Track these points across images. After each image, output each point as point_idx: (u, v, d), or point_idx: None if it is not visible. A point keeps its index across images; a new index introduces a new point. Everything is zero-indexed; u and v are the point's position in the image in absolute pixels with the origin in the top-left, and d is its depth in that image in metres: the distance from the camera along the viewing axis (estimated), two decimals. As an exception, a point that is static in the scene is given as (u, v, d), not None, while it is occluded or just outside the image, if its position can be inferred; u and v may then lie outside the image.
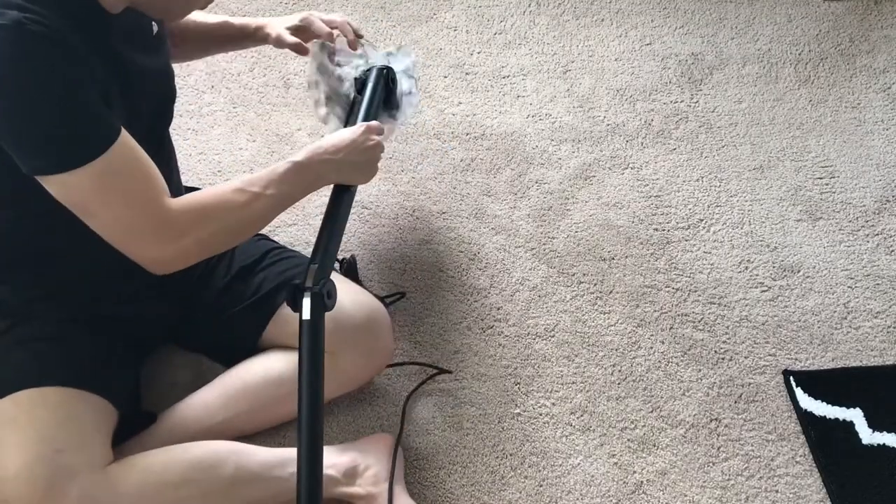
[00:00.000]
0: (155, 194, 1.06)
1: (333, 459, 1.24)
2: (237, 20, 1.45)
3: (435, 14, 2.16)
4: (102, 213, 1.03)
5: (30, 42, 0.91)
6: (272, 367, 1.29)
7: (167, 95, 1.25)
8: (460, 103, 1.95)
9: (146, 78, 1.15)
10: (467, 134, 1.89)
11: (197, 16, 1.40)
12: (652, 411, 1.45)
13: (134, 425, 1.25)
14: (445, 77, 2.01)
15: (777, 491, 1.37)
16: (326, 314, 1.17)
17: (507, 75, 2.03)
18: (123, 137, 1.01)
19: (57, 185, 0.99)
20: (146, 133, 1.13)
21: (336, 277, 1.35)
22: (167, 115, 1.26)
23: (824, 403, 1.47)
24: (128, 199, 1.03)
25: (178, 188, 1.31)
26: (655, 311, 1.59)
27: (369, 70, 1.44)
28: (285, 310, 1.28)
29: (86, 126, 0.98)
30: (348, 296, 1.30)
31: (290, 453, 1.21)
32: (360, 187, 1.40)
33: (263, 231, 1.58)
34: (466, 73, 2.02)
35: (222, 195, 1.13)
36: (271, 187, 1.15)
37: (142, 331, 1.29)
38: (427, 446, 1.38)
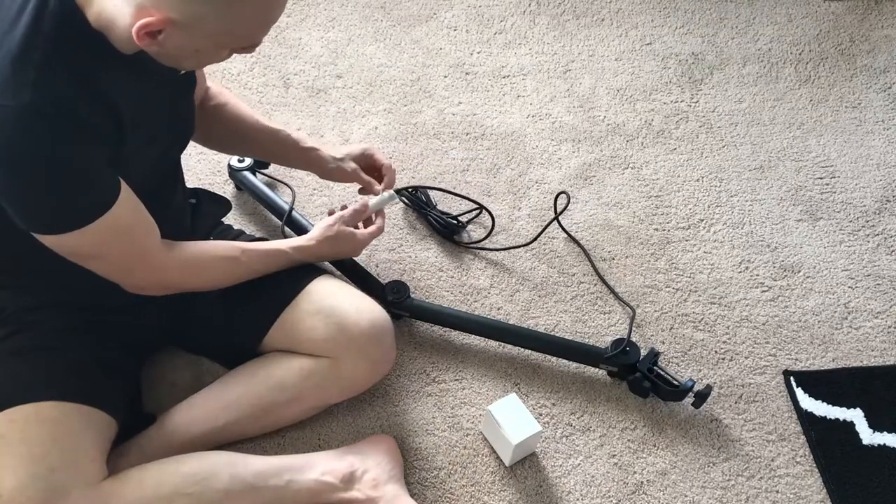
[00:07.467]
0: (148, 246, 1.14)
1: (331, 465, 1.24)
2: (291, 132, 1.44)
3: (435, 14, 2.16)
4: (96, 264, 1.10)
5: (38, 124, 0.92)
6: (275, 372, 1.29)
7: (185, 126, 1.25)
8: (460, 103, 1.95)
9: (163, 111, 1.14)
10: (467, 134, 1.89)
11: (244, 112, 1.41)
12: (652, 411, 1.45)
13: (132, 426, 1.25)
14: (445, 77, 2.01)
15: (777, 491, 1.37)
16: (331, 320, 1.27)
17: (507, 75, 2.03)
18: (122, 198, 1.03)
19: (51, 241, 1.02)
20: (160, 156, 1.18)
21: (339, 284, 1.35)
22: (184, 142, 1.27)
23: (824, 403, 1.47)
24: (122, 252, 1.10)
25: (182, 196, 1.32)
26: (655, 311, 1.59)
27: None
28: (288, 314, 1.29)
29: (84, 195, 1.00)
30: (352, 303, 1.30)
31: (286, 461, 1.21)
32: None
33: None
34: (466, 73, 2.02)
35: (216, 259, 1.25)
36: (257, 264, 1.29)
37: (142, 337, 1.29)
38: (427, 446, 1.38)
